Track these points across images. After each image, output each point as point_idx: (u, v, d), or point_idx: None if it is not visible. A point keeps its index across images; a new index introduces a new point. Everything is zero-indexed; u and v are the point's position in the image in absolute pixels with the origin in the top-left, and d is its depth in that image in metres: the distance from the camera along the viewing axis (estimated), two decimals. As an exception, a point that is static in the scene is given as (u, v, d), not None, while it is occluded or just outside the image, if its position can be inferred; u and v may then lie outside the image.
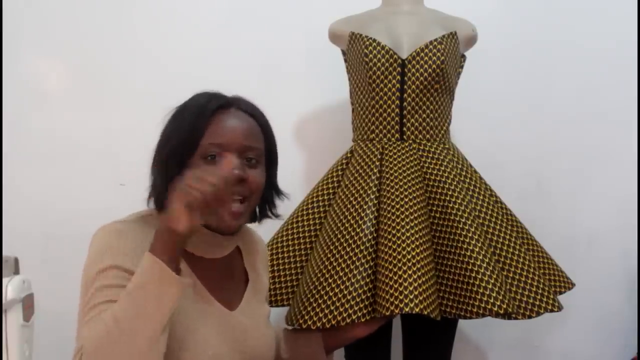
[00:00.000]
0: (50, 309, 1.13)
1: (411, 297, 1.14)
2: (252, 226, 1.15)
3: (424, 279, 1.18)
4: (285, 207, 1.53)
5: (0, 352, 0.84)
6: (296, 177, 1.88)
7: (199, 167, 0.90)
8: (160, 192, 0.93)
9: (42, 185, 1.79)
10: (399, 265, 1.18)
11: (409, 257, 1.19)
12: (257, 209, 1.05)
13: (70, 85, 1.82)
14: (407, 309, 1.12)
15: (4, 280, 0.84)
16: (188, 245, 0.89)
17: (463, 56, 1.52)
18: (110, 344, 0.76)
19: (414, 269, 1.17)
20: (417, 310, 1.13)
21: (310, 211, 1.42)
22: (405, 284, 1.15)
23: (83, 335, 0.82)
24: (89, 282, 0.86)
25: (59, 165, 1.79)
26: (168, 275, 0.79)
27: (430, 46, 1.37)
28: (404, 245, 1.21)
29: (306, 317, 1.22)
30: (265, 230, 1.48)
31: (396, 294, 1.15)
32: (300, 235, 1.41)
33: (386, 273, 1.20)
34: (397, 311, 1.14)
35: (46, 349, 1.29)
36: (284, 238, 1.42)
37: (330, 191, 1.44)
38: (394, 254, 1.21)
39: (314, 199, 1.44)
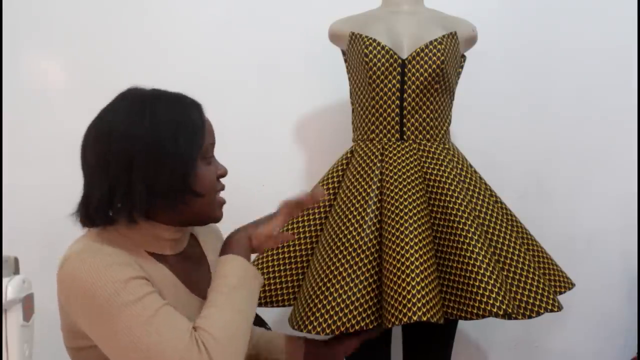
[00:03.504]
0: (50, 309, 1.13)
1: (419, 305, 1.14)
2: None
3: (428, 287, 1.18)
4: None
5: (0, 352, 0.84)
6: (296, 177, 1.88)
7: (201, 168, 0.94)
8: (143, 203, 0.89)
9: (42, 185, 1.79)
10: (404, 273, 1.18)
11: (413, 264, 1.19)
12: None
13: (71, 85, 1.82)
14: (415, 318, 1.13)
15: (4, 280, 0.84)
16: (153, 247, 0.95)
17: (463, 56, 1.51)
18: (238, 331, 0.88)
19: (419, 277, 1.17)
20: (424, 319, 1.13)
21: (310, 211, 1.42)
22: (410, 295, 1.15)
23: (178, 327, 0.83)
24: (111, 303, 0.81)
25: (59, 165, 1.79)
26: (255, 272, 0.96)
27: (430, 46, 1.37)
28: (407, 248, 1.21)
29: (315, 324, 1.22)
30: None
31: (403, 302, 1.15)
32: (301, 234, 1.41)
33: (391, 280, 1.20)
34: (405, 320, 1.14)
35: (46, 349, 1.29)
36: (285, 238, 1.42)
37: (331, 191, 1.44)
38: (397, 261, 1.21)
39: (314, 199, 1.44)
